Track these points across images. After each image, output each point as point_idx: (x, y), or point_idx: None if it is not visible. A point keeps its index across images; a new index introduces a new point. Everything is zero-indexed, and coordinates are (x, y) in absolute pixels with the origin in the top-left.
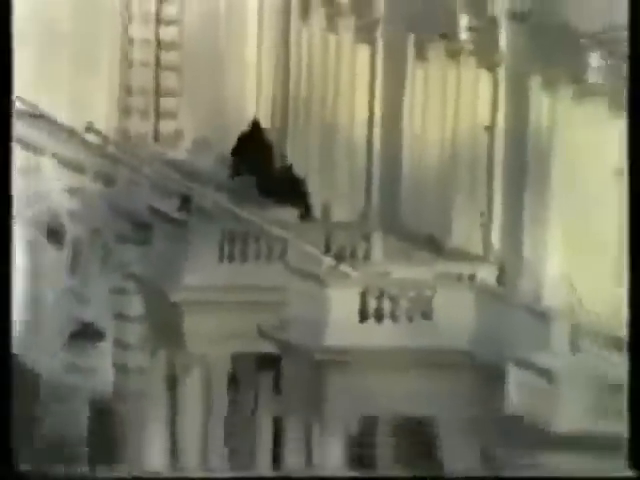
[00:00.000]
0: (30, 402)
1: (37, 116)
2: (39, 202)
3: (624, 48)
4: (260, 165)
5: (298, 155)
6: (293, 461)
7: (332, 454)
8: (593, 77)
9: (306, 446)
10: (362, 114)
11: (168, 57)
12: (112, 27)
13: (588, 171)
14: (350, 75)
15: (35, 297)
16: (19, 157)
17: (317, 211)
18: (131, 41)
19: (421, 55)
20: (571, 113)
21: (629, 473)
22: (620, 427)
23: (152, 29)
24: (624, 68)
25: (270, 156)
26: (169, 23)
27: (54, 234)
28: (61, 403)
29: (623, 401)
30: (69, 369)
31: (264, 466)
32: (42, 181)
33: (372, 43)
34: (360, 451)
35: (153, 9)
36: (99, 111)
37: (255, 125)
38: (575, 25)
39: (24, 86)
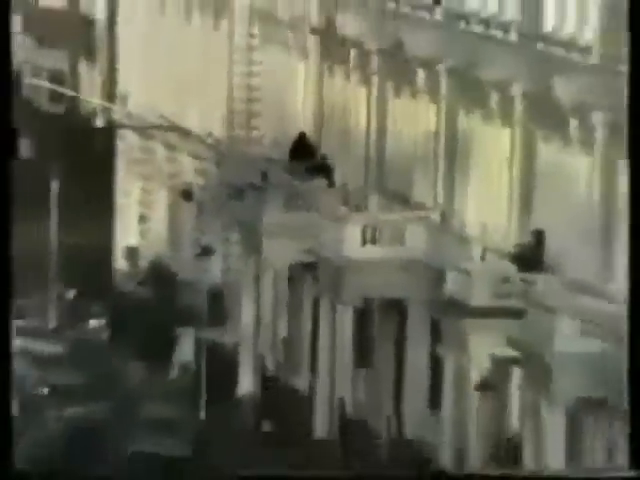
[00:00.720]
0: (170, 289)
1: (174, 128)
2: (177, 177)
3: (514, 90)
4: (306, 156)
5: (328, 150)
6: (325, 322)
7: (346, 319)
8: (492, 105)
9: (332, 314)
10: (363, 125)
11: (254, 95)
12: (222, 77)
13: (490, 158)
14: (357, 103)
15: (175, 231)
16: (163, 153)
17: (338, 182)
18: (233, 85)
19: (396, 94)
20: (481, 126)
21: (629, 473)
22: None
23: (245, 79)
24: (512, 101)
25: (311, 151)
26: (254, 76)
27: (187, 196)
28: (190, 289)
29: (511, 288)
30: (195, 271)
31: (306, 327)
32: (179, 165)
33: (369, 86)
34: (362, 317)
35: (246, 69)
36: (216, 125)
37: (302, 134)
38: (483, 76)
39: (170, 110)
